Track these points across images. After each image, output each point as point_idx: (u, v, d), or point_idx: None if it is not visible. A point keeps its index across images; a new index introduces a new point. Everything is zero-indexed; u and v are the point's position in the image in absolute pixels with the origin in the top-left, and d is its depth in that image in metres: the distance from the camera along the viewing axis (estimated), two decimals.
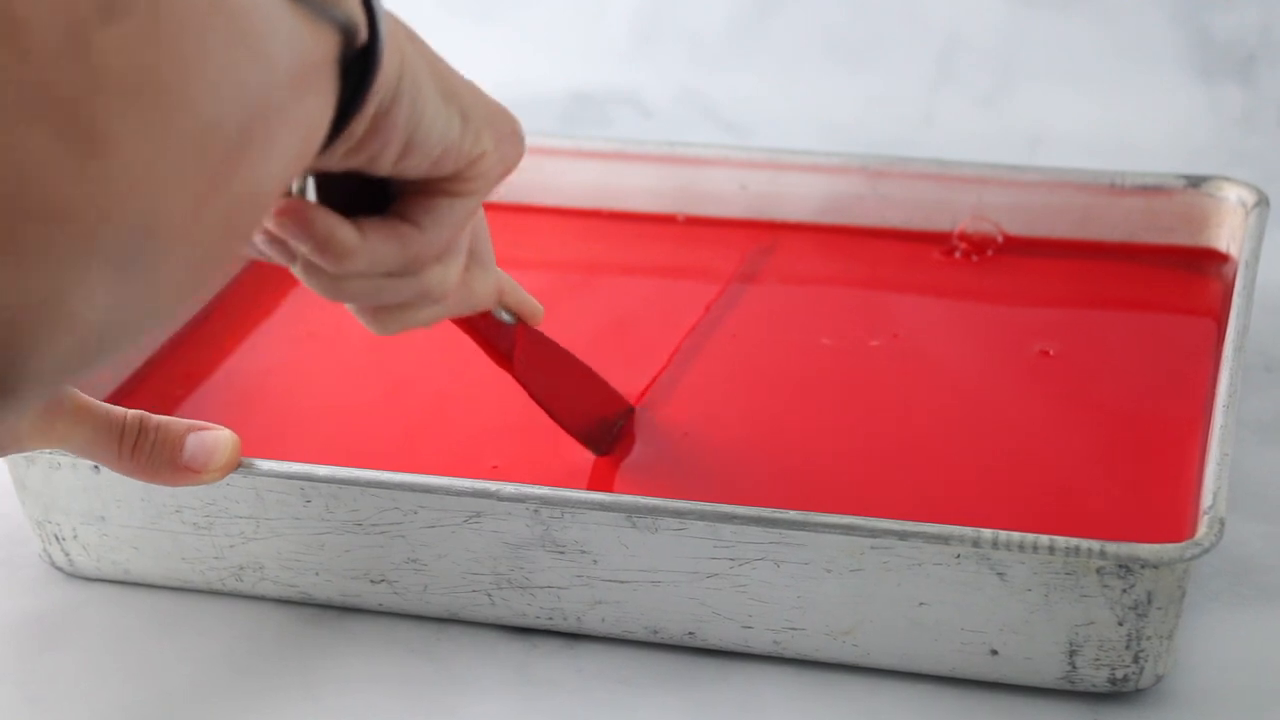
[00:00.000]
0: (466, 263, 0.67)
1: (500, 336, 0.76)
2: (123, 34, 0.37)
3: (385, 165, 0.58)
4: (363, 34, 0.53)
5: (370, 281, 0.62)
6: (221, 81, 0.41)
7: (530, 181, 0.99)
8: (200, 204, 0.41)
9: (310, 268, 0.61)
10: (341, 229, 0.58)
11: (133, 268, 0.40)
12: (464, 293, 0.68)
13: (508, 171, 0.63)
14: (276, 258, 0.61)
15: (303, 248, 0.59)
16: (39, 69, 0.35)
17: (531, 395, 0.78)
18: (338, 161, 0.56)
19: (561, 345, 0.80)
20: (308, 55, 0.49)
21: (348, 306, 0.64)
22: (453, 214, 0.61)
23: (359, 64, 0.53)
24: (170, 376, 0.87)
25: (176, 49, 0.39)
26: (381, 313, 0.64)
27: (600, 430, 0.80)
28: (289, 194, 0.59)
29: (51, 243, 0.36)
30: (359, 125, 0.55)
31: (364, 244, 0.59)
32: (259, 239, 0.60)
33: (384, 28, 0.54)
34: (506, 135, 0.62)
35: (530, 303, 0.76)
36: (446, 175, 0.61)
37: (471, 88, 0.61)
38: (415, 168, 0.59)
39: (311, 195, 0.59)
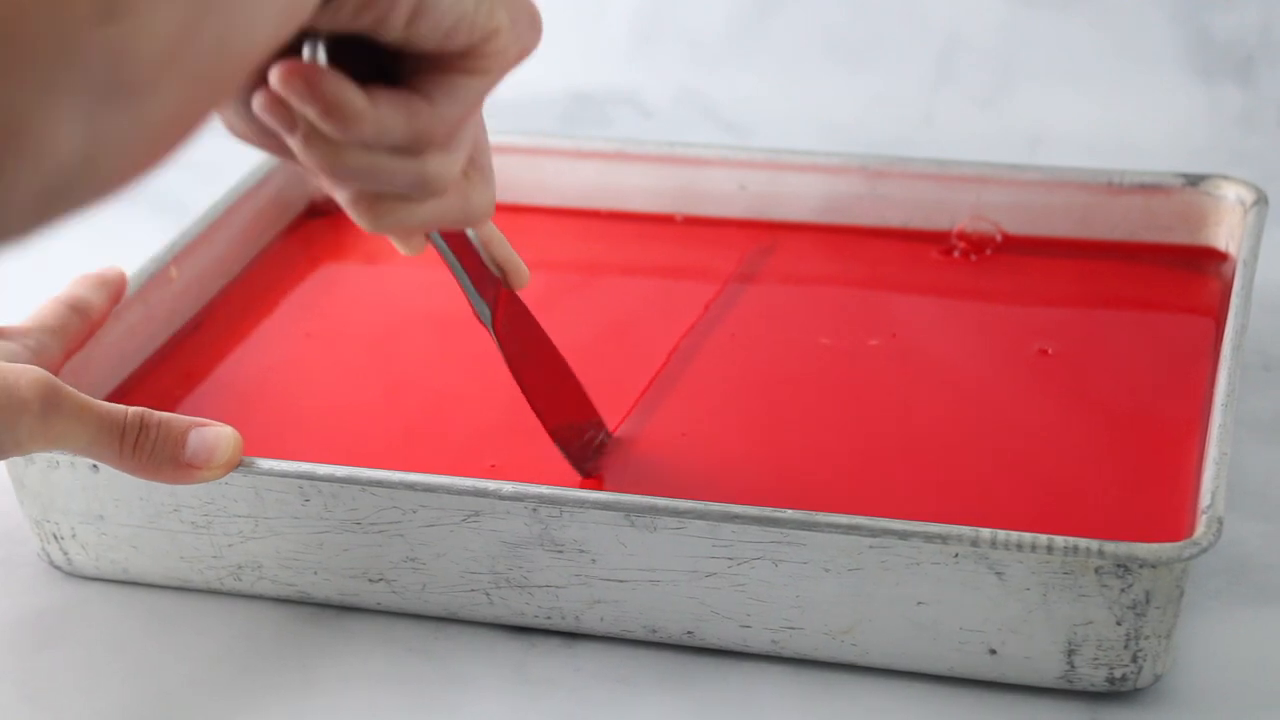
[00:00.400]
0: (467, 168, 0.65)
1: (485, 284, 0.75)
2: None
3: (396, 28, 0.55)
4: None
5: (372, 157, 0.58)
6: None
7: (530, 181, 1.00)
8: (183, 32, 0.39)
9: (311, 137, 0.57)
10: (349, 90, 0.56)
11: (112, 97, 0.38)
12: (461, 199, 0.65)
13: (524, 54, 0.62)
14: (276, 125, 0.57)
15: (308, 112, 0.56)
16: None
17: (508, 362, 0.77)
18: (346, 19, 0.54)
19: (546, 335, 0.79)
20: None
21: (340, 198, 0.61)
22: (465, 92, 0.59)
23: None
24: (170, 376, 0.87)
25: None
26: (376, 203, 0.61)
27: (575, 436, 0.80)
28: (300, 59, 0.56)
29: (13, 60, 0.35)
30: None
31: (372, 109, 0.57)
32: (258, 106, 0.57)
33: None
34: (523, 16, 0.61)
35: (516, 261, 0.75)
36: (460, 50, 0.58)
37: None
38: (427, 36, 0.56)
39: (323, 60, 0.56)
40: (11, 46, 0.34)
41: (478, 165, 0.66)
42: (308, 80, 0.55)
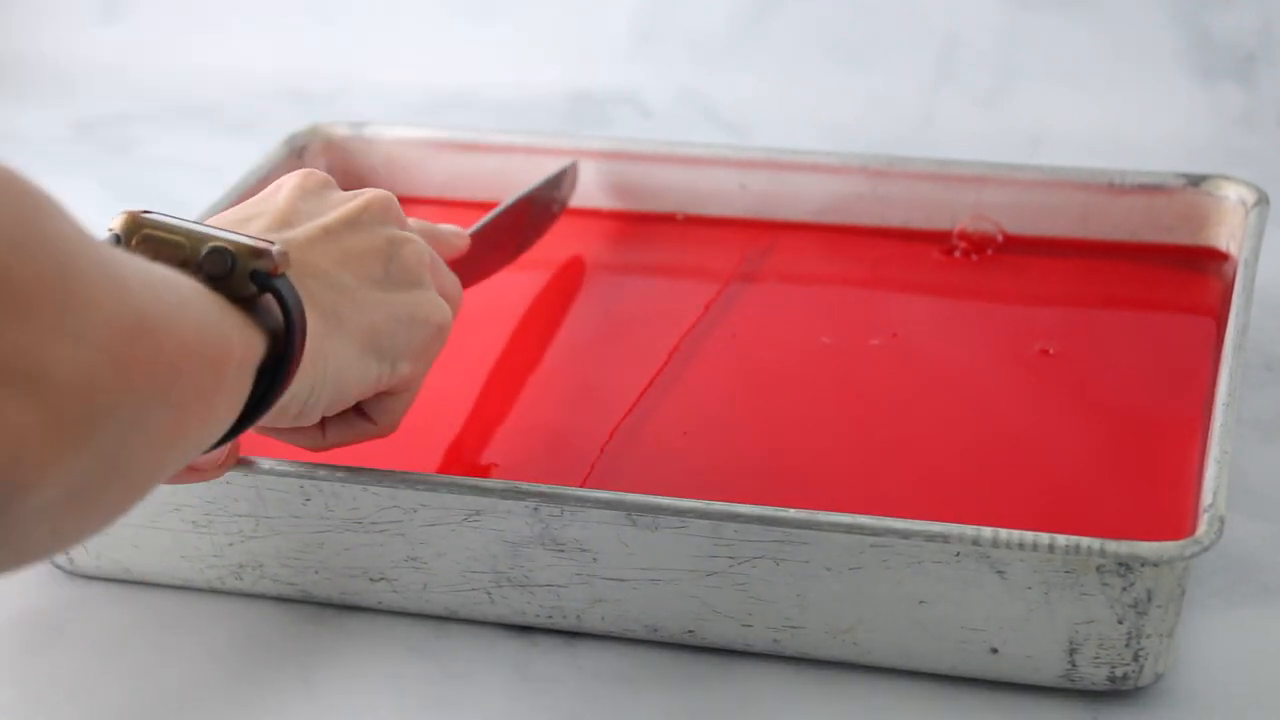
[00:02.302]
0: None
1: None
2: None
3: (312, 420, 0.67)
4: (281, 341, 0.61)
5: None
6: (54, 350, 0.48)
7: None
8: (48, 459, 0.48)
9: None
10: (308, 436, 0.71)
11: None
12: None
13: (434, 359, 0.72)
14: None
15: None
16: None
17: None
18: (270, 423, 0.64)
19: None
20: (230, 349, 0.58)
21: None
22: (397, 406, 0.72)
23: (270, 372, 0.61)
24: None
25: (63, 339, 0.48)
26: None
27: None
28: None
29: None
30: (282, 417, 0.65)
31: (325, 443, 0.71)
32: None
33: (301, 349, 0.62)
34: (423, 347, 0.70)
35: (446, 236, 0.81)
36: (381, 391, 0.70)
37: (393, 326, 0.68)
38: (343, 407, 0.69)
39: None
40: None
41: (442, 289, 0.74)
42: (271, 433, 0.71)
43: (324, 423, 0.71)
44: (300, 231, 0.67)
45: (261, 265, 0.60)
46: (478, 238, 0.85)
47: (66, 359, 0.47)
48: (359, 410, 0.71)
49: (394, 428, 0.72)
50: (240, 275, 0.60)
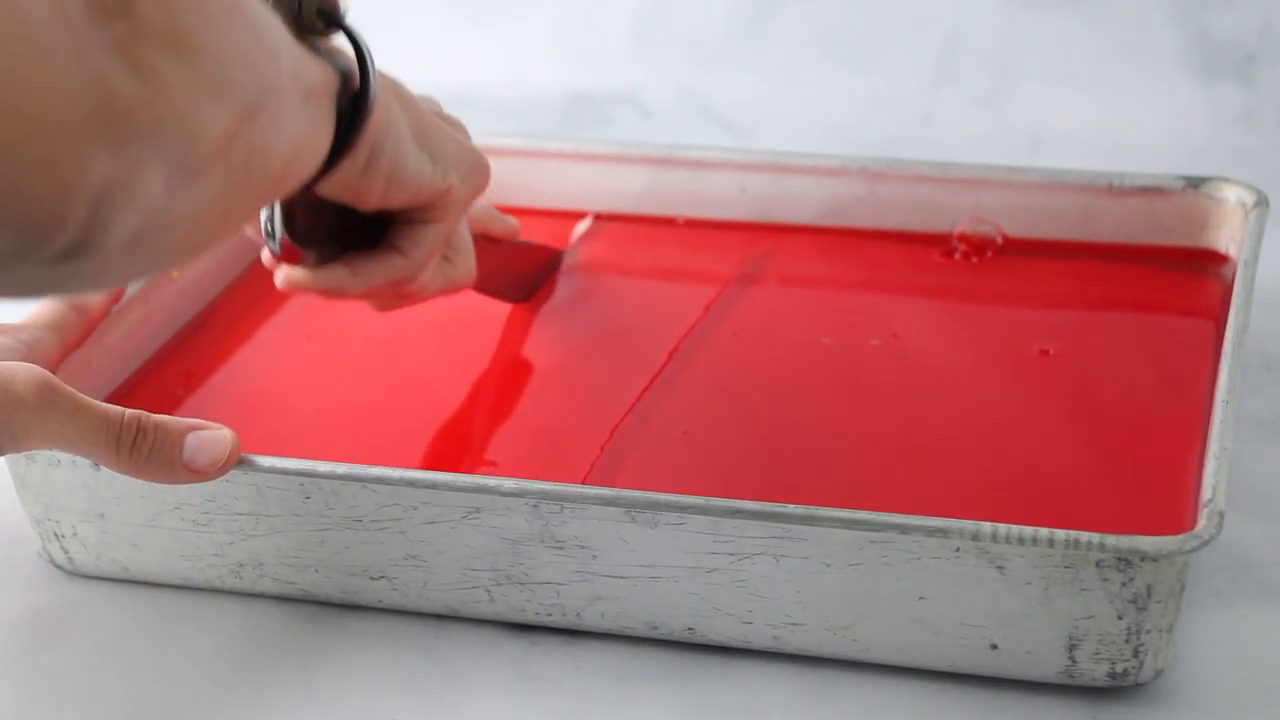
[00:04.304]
0: (446, 253, 0.79)
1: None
2: (160, 7, 0.49)
3: (373, 198, 0.69)
4: (355, 83, 0.65)
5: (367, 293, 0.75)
6: (237, 54, 0.52)
7: (530, 183, 1.00)
8: (227, 137, 0.52)
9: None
10: (338, 277, 0.72)
11: (181, 170, 0.50)
12: (442, 278, 0.79)
13: (475, 197, 0.76)
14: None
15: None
16: (105, 18, 0.47)
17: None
18: (337, 192, 0.68)
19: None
20: (312, 77, 0.61)
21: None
22: (429, 237, 0.74)
23: (352, 109, 0.65)
24: (171, 376, 0.87)
25: (205, 23, 0.51)
26: (377, 305, 0.78)
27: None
28: (262, 229, 0.71)
29: (128, 134, 0.48)
30: (355, 163, 0.66)
31: (357, 281, 0.73)
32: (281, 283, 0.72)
33: (375, 85, 0.66)
34: (470, 169, 0.74)
35: (502, 221, 0.88)
36: (422, 205, 0.72)
37: (441, 130, 0.73)
38: (395, 201, 0.70)
39: (278, 223, 0.70)
40: (123, 120, 0.48)
41: (454, 246, 0.80)
42: (305, 285, 0.72)
43: (352, 261, 0.73)
44: None
45: (325, 5, 0.65)
46: (518, 247, 0.89)
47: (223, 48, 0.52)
48: (388, 244, 0.73)
49: (422, 264, 0.74)
50: (308, 14, 0.65)
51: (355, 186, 0.68)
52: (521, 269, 0.92)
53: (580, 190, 1.00)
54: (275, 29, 0.57)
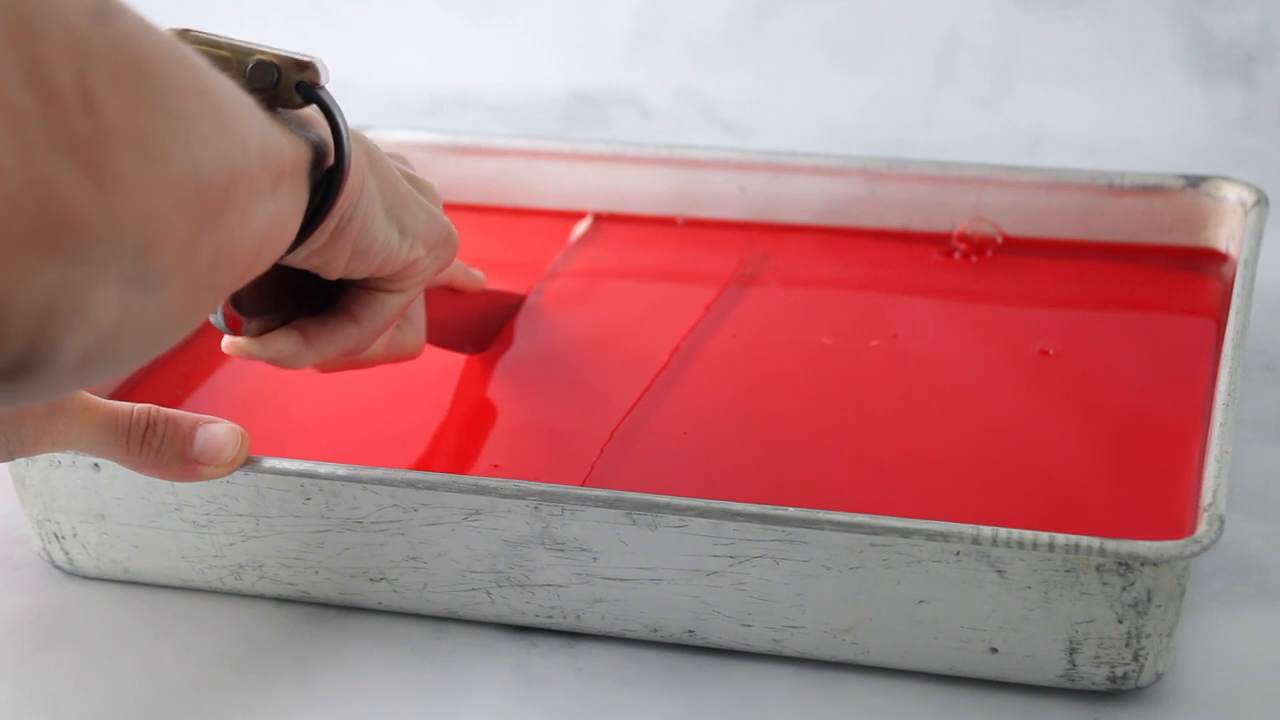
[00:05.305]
0: (398, 323, 0.78)
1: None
2: (119, 96, 0.47)
3: (337, 269, 0.68)
4: (330, 156, 0.64)
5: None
6: (206, 153, 0.51)
7: (530, 183, 1.00)
8: (190, 240, 0.50)
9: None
10: (286, 347, 0.71)
11: (137, 284, 0.48)
12: (390, 349, 0.78)
13: (440, 271, 0.74)
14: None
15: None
16: (62, 117, 0.45)
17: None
18: (300, 261, 0.66)
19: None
20: (283, 156, 0.60)
21: None
22: (388, 307, 0.72)
23: (326, 181, 0.64)
24: (171, 377, 0.87)
25: (175, 122, 0.49)
26: (319, 368, 0.76)
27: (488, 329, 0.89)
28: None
29: (78, 249, 0.46)
30: (323, 234, 0.65)
31: (306, 351, 0.71)
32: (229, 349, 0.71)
33: (349, 156, 0.64)
34: (439, 243, 0.73)
35: (467, 274, 0.86)
36: (384, 276, 0.71)
37: (412, 199, 0.71)
38: (359, 271, 0.69)
39: (219, 317, 0.70)
40: (73, 233, 0.45)
41: (408, 316, 0.79)
42: (254, 355, 0.71)
43: (305, 329, 0.71)
44: None
45: (306, 77, 0.64)
46: (480, 295, 0.87)
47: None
48: (343, 310, 0.72)
49: (376, 335, 0.73)
50: (285, 87, 0.63)
51: (320, 256, 0.67)
52: (481, 319, 0.89)
53: (580, 190, 1.00)
54: (243, 111, 0.55)
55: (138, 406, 0.71)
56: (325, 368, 0.76)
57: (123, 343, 0.50)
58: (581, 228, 0.98)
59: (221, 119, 0.52)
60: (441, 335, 0.84)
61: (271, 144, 0.58)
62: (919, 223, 0.96)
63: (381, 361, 0.78)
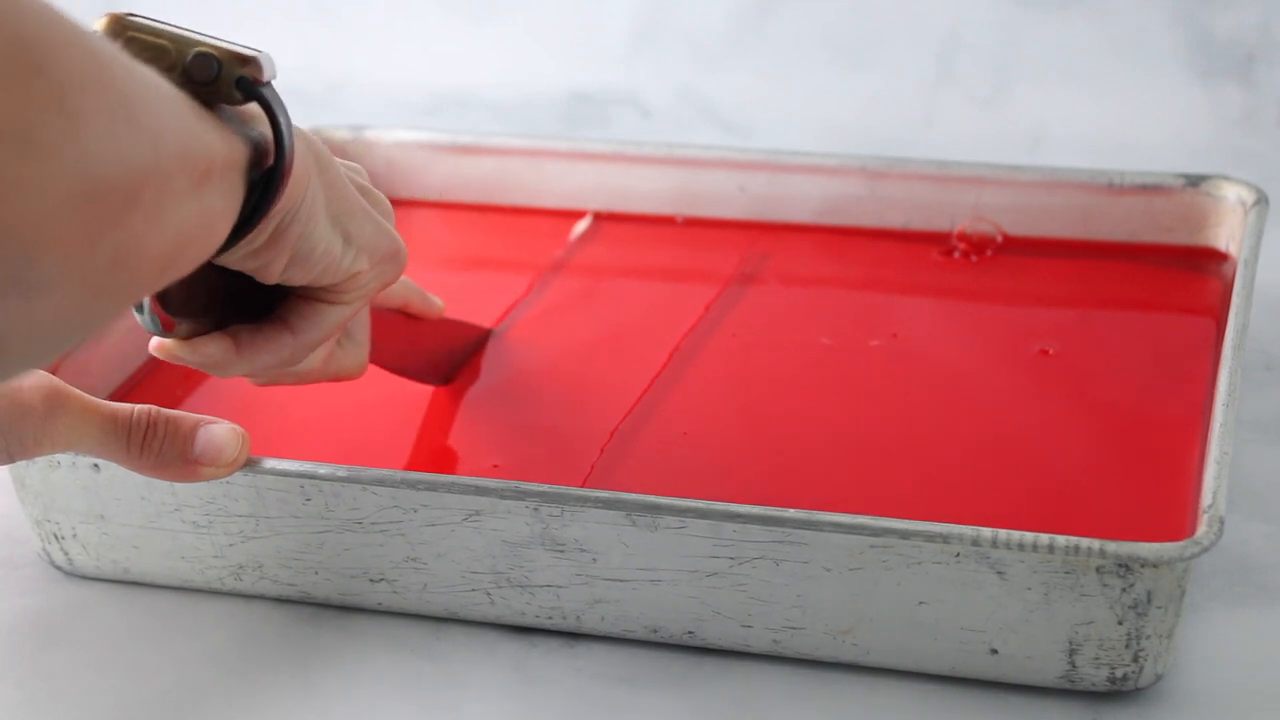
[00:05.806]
0: (340, 338, 0.76)
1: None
2: (7, 96, 0.44)
3: (274, 273, 0.65)
4: (271, 156, 0.61)
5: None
6: (106, 151, 0.48)
7: (530, 182, 1.00)
8: (84, 242, 0.48)
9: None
10: (216, 351, 0.68)
11: (14, 291, 0.46)
12: (327, 368, 0.76)
13: (384, 287, 0.71)
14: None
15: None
16: None
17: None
18: (236, 262, 0.64)
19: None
20: (211, 154, 0.56)
21: None
22: (325, 319, 0.70)
23: (264, 181, 0.60)
24: (171, 377, 0.87)
25: (70, 119, 0.46)
26: (253, 378, 0.73)
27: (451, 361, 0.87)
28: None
29: None
30: (260, 235, 0.62)
31: (238, 359, 0.68)
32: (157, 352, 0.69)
33: (291, 156, 0.61)
34: (386, 257, 0.70)
35: (425, 300, 0.83)
36: (325, 286, 0.68)
37: (360, 209, 0.68)
38: (297, 278, 0.66)
39: (147, 317, 0.66)
40: None
41: (349, 333, 0.77)
42: (181, 358, 0.68)
43: (238, 336, 0.69)
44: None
45: (248, 72, 0.60)
46: (439, 324, 0.85)
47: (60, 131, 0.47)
48: (280, 320, 0.69)
49: (312, 348, 0.70)
50: (226, 81, 0.60)
51: (257, 258, 0.64)
52: (442, 349, 0.87)
53: (580, 190, 1.00)
54: (161, 106, 0.52)
55: (138, 407, 0.71)
56: (258, 380, 0.74)
57: (9, 348, 0.48)
58: (581, 227, 0.98)
59: (130, 115, 0.49)
60: (400, 362, 0.83)
61: (196, 141, 0.55)
62: (919, 222, 0.96)
63: (318, 379, 0.76)
